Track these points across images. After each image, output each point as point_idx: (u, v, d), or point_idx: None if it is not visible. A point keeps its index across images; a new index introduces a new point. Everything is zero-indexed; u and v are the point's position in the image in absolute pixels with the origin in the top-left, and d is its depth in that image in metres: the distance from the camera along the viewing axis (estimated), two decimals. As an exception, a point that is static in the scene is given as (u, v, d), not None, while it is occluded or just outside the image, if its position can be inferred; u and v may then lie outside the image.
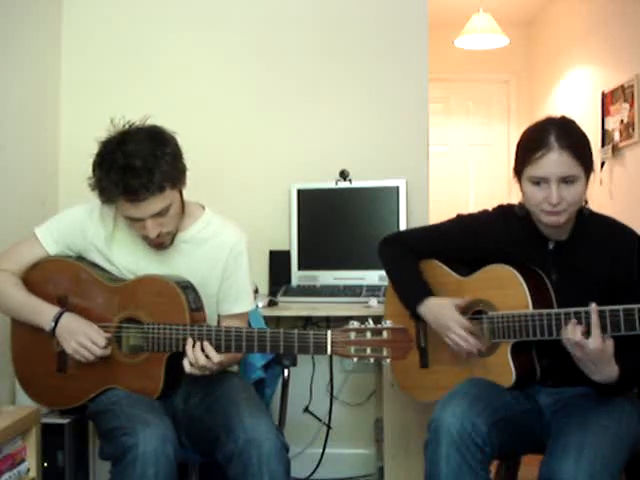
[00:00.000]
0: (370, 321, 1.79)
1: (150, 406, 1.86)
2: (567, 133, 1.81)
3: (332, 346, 1.78)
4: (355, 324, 1.79)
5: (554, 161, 1.78)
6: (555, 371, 1.90)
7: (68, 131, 3.05)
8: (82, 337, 1.92)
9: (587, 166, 1.82)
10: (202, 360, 1.84)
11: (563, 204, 1.80)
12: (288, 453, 1.85)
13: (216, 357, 1.85)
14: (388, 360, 1.78)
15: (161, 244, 2.00)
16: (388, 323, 1.79)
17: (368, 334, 1.77)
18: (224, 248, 2.09)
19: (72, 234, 2.06)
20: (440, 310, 1.99)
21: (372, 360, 1.78)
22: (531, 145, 1.83)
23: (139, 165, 1.82)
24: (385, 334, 1.76)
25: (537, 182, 1.82)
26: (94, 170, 1.91)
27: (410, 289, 2.09)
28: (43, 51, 2.95)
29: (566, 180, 1.79)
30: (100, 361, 1.94)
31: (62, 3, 3.06)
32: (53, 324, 1.94)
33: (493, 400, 1.81)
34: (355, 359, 1.77)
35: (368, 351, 1.77)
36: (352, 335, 1.77)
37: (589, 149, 1.86)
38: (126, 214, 1.92)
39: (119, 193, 1.85)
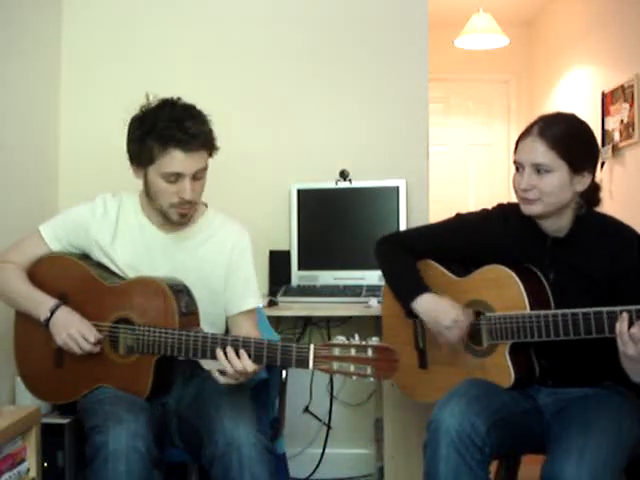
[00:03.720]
0: (356, 337, 1.73)
1: (130, 404, 1.86)
2: (553, 125, 1.83)
3: (314, 361, 1.73)
4: (340, 339, 1.73)
5: (527, 147, 1.82)
6: (554, 371, 1.90)
7: (68, 131, 3.05)
8: (73, 330, 1.93)
9: (571, 161, 1.80)
10: (239, 366, 1.80)
11: (535, 192, 1.82)
12: (271, 454, 1.83)
13: (250, 367, 1.80)
14: (371, 379, 1.70)
15: (185, 215, 2.01)
16: (374, 340, 1.72)
17: (352, 350, 1.70)
18: (227, 245, 2.10)
19: (75, 232, 2.08)
20: (436, 305, 1.98)
21: (354, 378, 1.70)
22: (521, 133, 1.88)
23: (189, 119, 1.94)
24: (370, 352, 1.69)
25: (517, 167, 1.85)
26: (137, 127, 1.97)
27: (405, 284, 2.08)
28: (43, 51, 2.95)
29: (539, 168, 1.80)
30: (94, 359, 1.95)
31: (62, 3, 3.06)
32: (49, 314, 1.96)
33: (492, 400, 1.81)
34: (337, 375, 1.72)
35: (352, 368, 1.70)
36: (336, 351, 1.72)
37: (580, 147, 1.84)
38: (170, 169, 1.93)
39: (171, 143, 1.90)
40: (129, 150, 2.01)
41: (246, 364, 1.80)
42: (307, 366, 1.75)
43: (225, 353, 1.82)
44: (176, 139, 1.91)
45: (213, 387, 1.96)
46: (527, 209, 1.86)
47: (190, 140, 1.92)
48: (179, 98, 2.02)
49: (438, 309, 1.97)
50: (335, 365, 1.71)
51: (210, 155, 2.02)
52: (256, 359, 1.81)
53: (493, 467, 1.98)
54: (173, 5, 3.11)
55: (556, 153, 1.79)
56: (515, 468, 2.09)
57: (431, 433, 1.75)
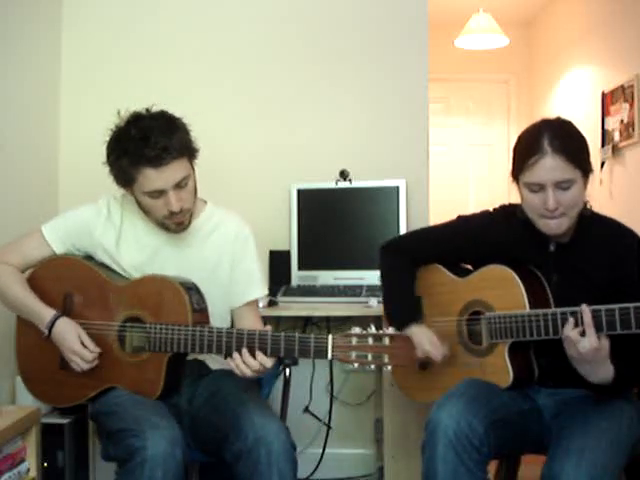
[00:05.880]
0: (372, 327, 1.77)
1: (157, 408, 1.86)
2: (561, 136, 1.80)
3: (333, 351, 1.76)
4: (357, 330, 1.76)
5: (548, 166, 1.77)
6: (554, 371, 1.90)
7: (68, 131, 3.05)
8: (69, 353, 1.93)
9: (583, 168, 1.81)
10: (256, 365, 1.82)
11: (560, 209, 1.80)
12: (296, 452, 1.84)
13: (269, 362, 1.83)
14: (389, 367, 1.76)
15: (181, 223, 2.01)
16: (390, 330, 1.76)
17: (370, 340, 1.74)
18: (229, 236, 2.12)
19: (79, 234, 2.08)
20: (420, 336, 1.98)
21: (373, 367, 1.75)
22: (525, 151, 1.83)
23: (157, 133, 1.89)
24: (387, 341, 1.74)
25: (534, 189, 1.81)
26: (110, 152, 1.96)
27: (400, 309, 2.09)
28: (43, 51, 2.95)
29: (562, 185, 1.78)
30: (103, 360, 1.95)
31: (62, 3, 3.07)
32: (47, 332, 1.96)
33: (490, 400, 1.81)
34: (356, 364, 1.75)
35: (369, 357, 1.74)
36: (354, 340, 1.75)
37: (585, 150, 1.84)
38: (149, 188, 1.92)
39: (141, 162, 1.88)
40: (111, 174, 1.98)
41: (263, 361, 1.82)
42: (326, 356, 1.77)
43: (240, 355, 1.83)
44: (145, 157, 1.88)
45: (229, 385, 1.98)
46: (553, 227, 1.83)
47: (161, 155, 1.88)
48: (148, 109, 1.98)
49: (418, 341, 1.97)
50: (353, 354, 1.75)
51: (191, 160, 2.00)
52: (273, 352, 1.82)
53: (493, 467, 1.98)
54: (173, 6, 3.11)
55: (575, 166, 1.78)
56: (515, 468, 2.09)
57: (429, 433, 1.75)
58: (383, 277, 2.18)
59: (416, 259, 2.12)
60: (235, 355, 1.83)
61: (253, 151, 3.06)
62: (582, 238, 1.89)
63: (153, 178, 1.91)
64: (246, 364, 1.82)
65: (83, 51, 3.07)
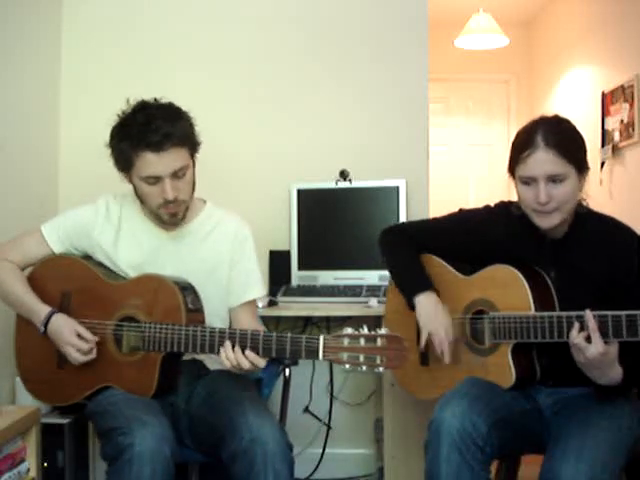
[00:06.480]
0: (365, 327, 1.73)
1: (148, 406, 1.86)
2: (554, 131, 1.81)
3: (324, 351, 1.74)
4: (349, 330, 1.73)
5: (540, 160, 1.79)
6: (555, 371, 1.90)
7: (68, 131, 3.05)
8: (65, 345, 1.94)
9: (578, 164, 1.81)
10: (246, 364, 1.82)
11: (552, 203, 1.80)
12: (292, 452, 1.84)
13: (262, 362, 1.82)
14: (381, 369, 1.70)
15: (175, 214, 2.01)
16: (383, 330, 1.72)
17: (362, 341, 1.70)
18: (228, 235, 2.12)
19: (78, 234, 2.09)
20: (434, 310, 2.00)
21: (364, 368, 1.70)
22: (519, 145, 1.85)
23: (160, 120, 1.90)
24: (379, 342, 1.70)
25: (527, 182, 1.83)
26: (113, 135, 1.97)
27: (412, 276, 2.09)
28: (43, 51, 2.95)
29: (554, 179, 1.79)
30: (98, 359, 1.95)
31: (62, 3, 3.06)
32: (43, 328, 1.97)
33: (493, 400, 1.81)
34: (347, 366, 1.71)
35: (361, 358, 1.70)
36: (345, 341, 1.71)
37: (580, 147, 1.85)
38: (146, 172, 1.92)
39: (141, 146, 1.89)
40: (112, 158, 2.00)
41: (255, 360, 1.81)
42: (317, 357, 1.75)
43: (232, 350, 1.82)
44: (146, 141, 1.89)
45: (226, 385, 1.98)
46: (546, 222, 1.84)
47: (162, 140, 1.89)
48: (155, 99, 2.00)
49: (430, 312, 2.00)
50: (345, 356, 1.72)
51: (191, 152, 2.00)
52: (265, 352, 1.81)
53: (493, 467, 1.98)
54: (174, 5, 3.11)
55: (568, 161, 1.79)
56: (515, 468, 2.09)
57: (432, 433, 1.75)
58: (387, 251, 2.18)
59: (417, 245, 2.12)
60: (227, 346, 1.82)
61: (253, 151, 3.06)
62: (578, 234, 1.89)
63: (151, 163, 1.91)
64: (236, 360, 1.81)
65: (83, 51, 3.07)
